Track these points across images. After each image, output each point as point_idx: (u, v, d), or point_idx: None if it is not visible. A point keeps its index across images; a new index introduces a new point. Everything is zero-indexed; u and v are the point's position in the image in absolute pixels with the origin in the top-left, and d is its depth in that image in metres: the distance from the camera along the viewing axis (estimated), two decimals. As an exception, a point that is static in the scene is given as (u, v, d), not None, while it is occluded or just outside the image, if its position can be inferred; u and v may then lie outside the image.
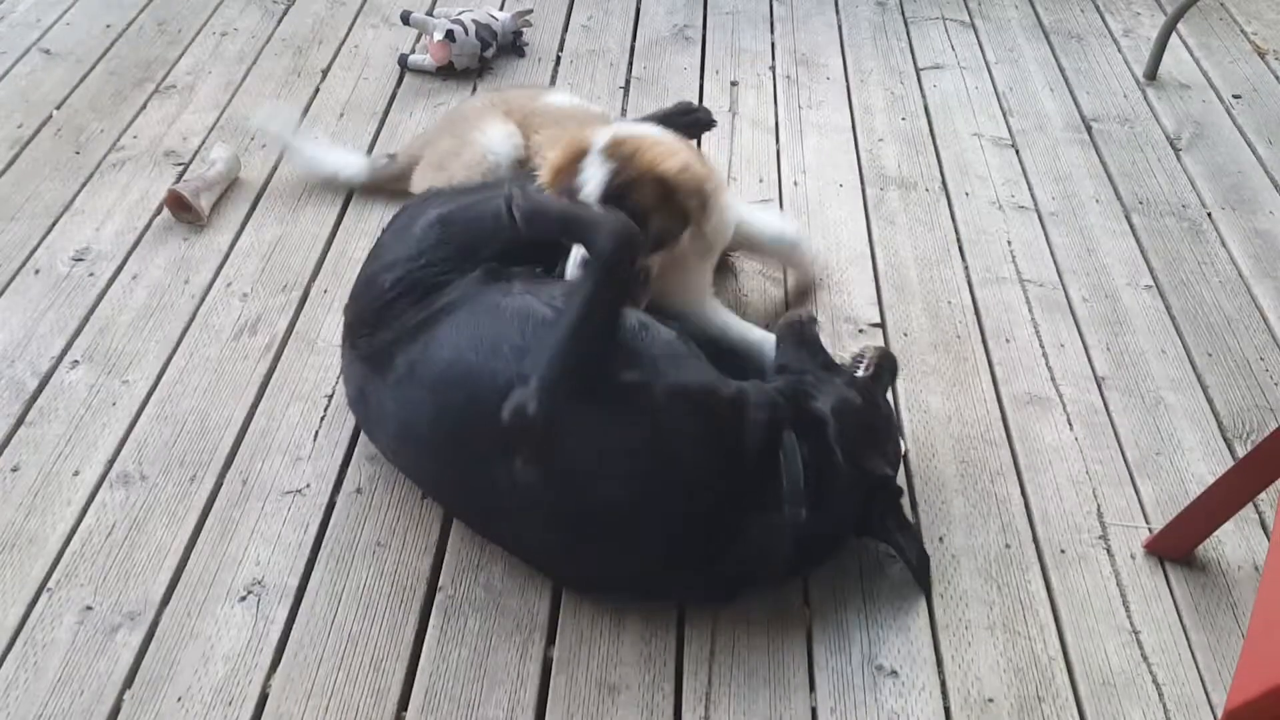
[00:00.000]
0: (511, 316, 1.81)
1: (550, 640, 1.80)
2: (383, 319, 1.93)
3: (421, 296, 1.92)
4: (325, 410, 2.15)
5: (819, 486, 1.78)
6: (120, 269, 2.47)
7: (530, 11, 3.34)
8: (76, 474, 2.02)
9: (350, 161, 2.69)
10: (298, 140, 2.71)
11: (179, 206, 2.57)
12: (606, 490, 1.71)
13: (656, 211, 1.99)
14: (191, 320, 2.35)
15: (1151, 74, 3.33)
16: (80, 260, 2.48)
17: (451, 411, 1.79)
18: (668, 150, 2.03)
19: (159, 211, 2.62)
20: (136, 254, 2.51)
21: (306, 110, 3.01)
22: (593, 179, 1.96)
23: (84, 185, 2.70)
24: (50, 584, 1.84)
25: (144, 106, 3.00)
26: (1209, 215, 2.79)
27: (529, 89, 3.01)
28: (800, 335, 2.03)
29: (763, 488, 1.76)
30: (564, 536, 1.77)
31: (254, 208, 2.66)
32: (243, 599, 1.83)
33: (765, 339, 2.17)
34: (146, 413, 2.14)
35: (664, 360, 1.82)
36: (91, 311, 2.36)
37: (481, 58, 3.16)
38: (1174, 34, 3.35)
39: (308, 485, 2.01)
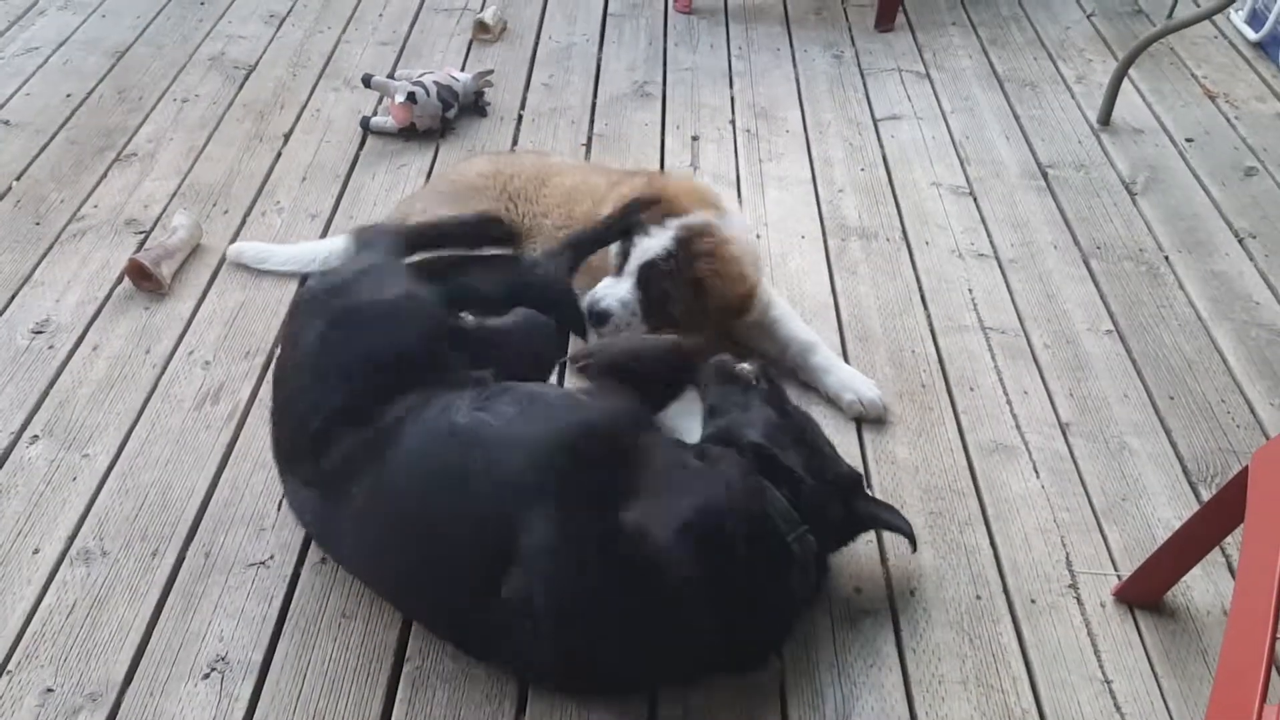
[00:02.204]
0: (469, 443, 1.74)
1: (521, 709, 1.77)
2: (320, 447, 1.84)
3: (360, 422, 1.83)
4: (289, 479, 2.13)
5: (807, 511, 1.80)
6: (80, 340, 2.44)
7: (491, 72, 3.36)
8: (36, 552, 1.99)
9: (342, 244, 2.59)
10: (278, 252, 2.64)
11: (140, 275, 2.56)
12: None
13: (684, 308, 2.15)
14: (153, 390, 2.32)
15: (1105, 119, 3.39)
16: (40, 333, 2.46)
17: (428, 546, 1.74)
18: (736, 269, 2.15)
19: (120, 281, 2.60)
20: (97, 325, 2.49)
21: (269, 175, 3.00)
22: (653, 246, 2.13)
23: (44, 256, 2.69)
24: (10, 666, 1.80)
25: (104, 175, 2.99)
26: (1166, 258, 2.83)
27: (537, 152, 3.02)
28: (724, 373, 2.02)
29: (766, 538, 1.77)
30: (580, 642, 1.68)
31: (216, 274, 2.65)
32: (206, 676, 1.79)
33: (812, 342, 2.36)
34: (107, 487, 2.11)
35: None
36: (51, 385, 2.33)
37: (444, 118, 3.18)
38: (1126, 79, 3.41)
39: (271, 557, 1.99)
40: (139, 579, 1.94)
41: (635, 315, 2.15)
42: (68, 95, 3.34)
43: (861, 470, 2.18)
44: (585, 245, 2.25)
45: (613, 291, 2.13)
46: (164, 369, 2.38)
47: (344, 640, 1.85)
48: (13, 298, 2.56)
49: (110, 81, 3.42)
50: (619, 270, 2.19)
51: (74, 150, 3.09)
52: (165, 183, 2.97)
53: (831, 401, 2.33)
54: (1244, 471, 1.63)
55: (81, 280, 2.62)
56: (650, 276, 2.13)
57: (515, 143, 3.21)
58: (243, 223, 2.82)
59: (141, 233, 2.78)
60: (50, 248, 2.72)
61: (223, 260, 2.68)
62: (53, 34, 3.65)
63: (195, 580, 1.95)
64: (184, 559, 1.98)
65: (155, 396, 2.31)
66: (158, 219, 2.82)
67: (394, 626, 1.88)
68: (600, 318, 2.13)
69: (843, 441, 2.25)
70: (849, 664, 1.85)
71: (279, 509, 2.07)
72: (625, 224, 2.28)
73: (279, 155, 3.11)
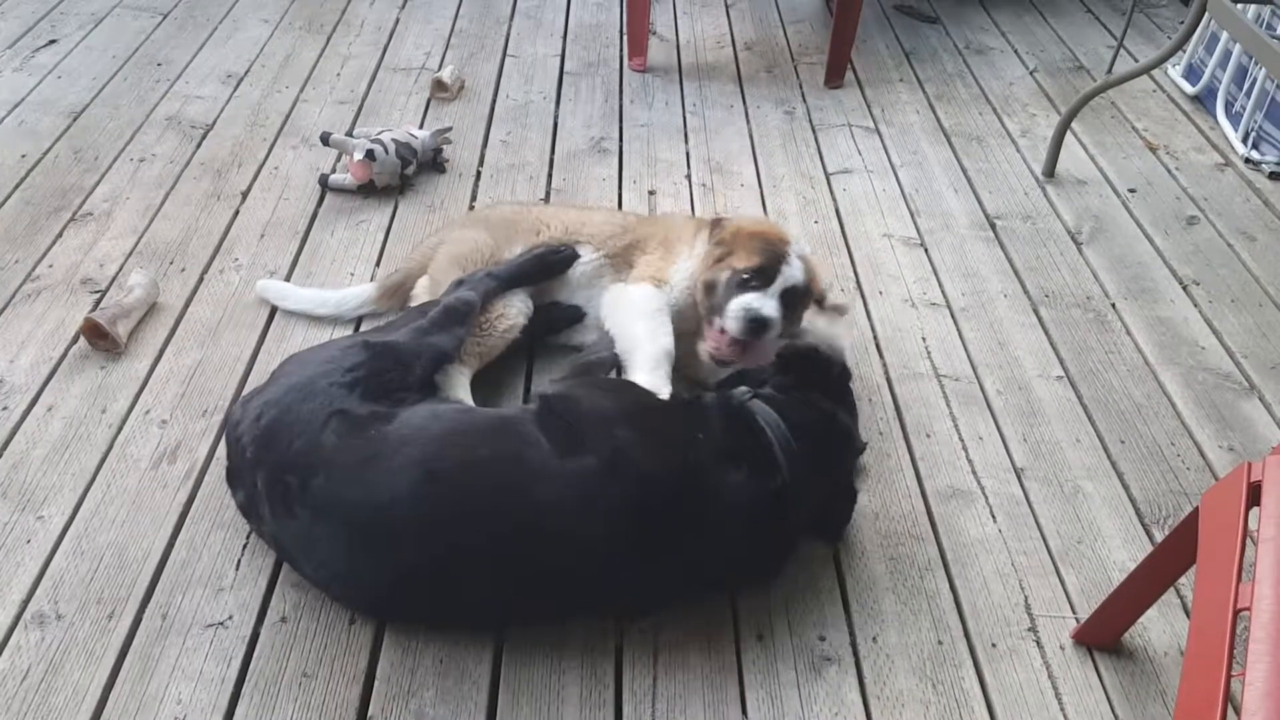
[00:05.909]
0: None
1: (485, 765, 1.76)
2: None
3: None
4: (248, 537, 2.11)
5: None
6: (35, 401, 2.42)
7: (449, 129, 3.39)
8: (-11, 617, 1.96)
9: (358, 291, 2.71)
10: (296, 292, 2.72)
11: (96, 335, 2.54)
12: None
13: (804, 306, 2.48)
14: (109, 450, 2.30)
15: (1050, 171, 3.48)
16: (-7, 394, 2.44)
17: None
18: (820, 272, 2.54)
19: (75, 340, 2.58)
20: (52, 385, 2.46)
21: (226, 233, 3.00)
22: (795, 274, 2.41)
23: (-3, 316, 2.67)
24: (-39, 735, 1.77)
25: (60, 235, 2.97)
26: (1113, 305, 2.90)
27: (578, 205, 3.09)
28: None
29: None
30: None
31: (173, 333, 2.63)
32: (164, 740, 1.77)
33: None
34: (62, 549, 2.08)
35: None
36: (5, 446, 2.30)
37: (402, 175, 3.20)
38: (1069, 133, 3.51)
39: (230, 617, 1.96)
40: (95, 642, 1.91)
41: (779, 326, 2.37)
42: (22, 155, 3.32)
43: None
44: (504, 279, 2.51)
45: (768, 305, 2.35)
46: (120, 428, 2.36)
47: (305, 700, 1.83)
48: (-35, 359, 2.54)
49: (66, 141, 3.41)
50: (758, 289, 2.37)
51: (29, 210, 3.07)
52: (121, 242, 2.95)
53: None
54: (1195, 513, 1.67)
55: (36, 340, 2.59)
56: (793, 296, 2.40)
57: (474, 199, 3.24)
58: (200, 280, 2.81)
59: (97, 292, 2.76)
60: (4, 308, 2.69)
61: (180, 318, 2.67)
62: (7, 95, 3.64)
63: (152, 642, 1.92)
64: (141, 621, 1.96)
65: (111, 456, 2.29)
66: (114, 278, 2.81)
67: (356, 683, 1.86)
68: (762, 324, 2.33)
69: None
70: (814, 713, 1.85)
71: (237, 569, 2.05)
72: (545, 266, 2.58)
73: (237, 213, 3.10)
